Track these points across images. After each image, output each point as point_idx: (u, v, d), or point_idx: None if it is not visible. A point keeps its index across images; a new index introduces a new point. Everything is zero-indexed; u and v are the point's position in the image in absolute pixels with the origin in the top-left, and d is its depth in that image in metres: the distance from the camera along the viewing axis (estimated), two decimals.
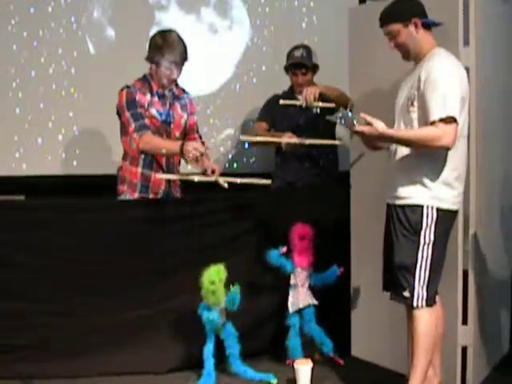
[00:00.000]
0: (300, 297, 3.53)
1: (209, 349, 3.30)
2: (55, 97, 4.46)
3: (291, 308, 3.53)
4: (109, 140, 4.46)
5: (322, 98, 3.82)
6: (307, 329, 3.56)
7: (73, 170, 4.51)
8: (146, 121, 3.60)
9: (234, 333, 3.35)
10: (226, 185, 3.43)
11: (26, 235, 3.36)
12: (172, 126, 3.74)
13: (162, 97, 3.71)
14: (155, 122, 3.65)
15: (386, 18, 2.92)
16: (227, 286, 3.23)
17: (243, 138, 4.04)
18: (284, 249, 3.45)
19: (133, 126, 3.56)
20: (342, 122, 2.89)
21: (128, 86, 3.65)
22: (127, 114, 3.58)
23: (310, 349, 3.57)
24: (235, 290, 3.21)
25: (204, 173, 3.57)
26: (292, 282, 3.54)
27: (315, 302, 3.56)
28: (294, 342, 3.52)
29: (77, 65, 4.50)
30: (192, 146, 3.40)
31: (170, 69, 3.62)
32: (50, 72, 4.47)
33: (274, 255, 3.46)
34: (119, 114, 3.66)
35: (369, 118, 2.80)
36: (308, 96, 3.76)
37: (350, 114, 2.88)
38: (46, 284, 3.37)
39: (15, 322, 3.34)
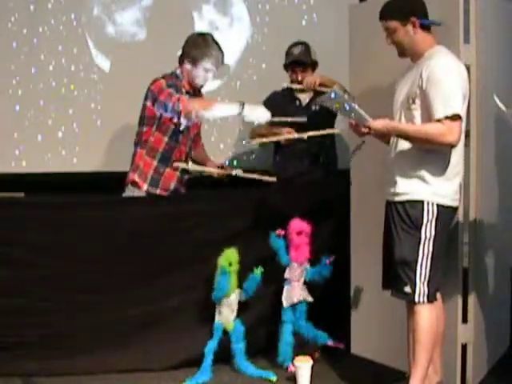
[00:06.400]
0: (294, 292, 3.50)
1: (212, 345, 3.32)
2: (55, 94, 4.45)
3: (285, 303, 3.50)
4: (109, 137, 4.45)
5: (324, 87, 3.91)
6: (296, 326, 3.51)
7: (72, 167, 4.50)
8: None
9: (241, 329, 3.38)
10: (240, 171, 3.51)
11: (25, 232, 3.35)
12: (190, 126, 3.71)
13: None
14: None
15: (386, 13, 2.93)
16: None
17: (246, 143, 4.10)
18: (281, 231, 3.45)
19: (177, 95, 3.51)
20: (346, 107, 2.89)
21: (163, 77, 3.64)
22: (168, 90, 3.53)
23: (309, 347, 3.55)
24: (257, 273, 3.33)
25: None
26: (286, 276, 3.52)
27: (310, 298, 3.53)
28: (287, 338, 3.47)
29: (77, 62, 4.49)
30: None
31: (208, 70, 3.66)
32: (50, 69, 4.45)
33: (274, 238, 3.46)
34: (153, 98, 3.57)
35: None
36: (310, 81, 3.94)
37: (344, 98, 2.89)
38: (46, 281, 3.37)
39: (15, 320, 3.33)
